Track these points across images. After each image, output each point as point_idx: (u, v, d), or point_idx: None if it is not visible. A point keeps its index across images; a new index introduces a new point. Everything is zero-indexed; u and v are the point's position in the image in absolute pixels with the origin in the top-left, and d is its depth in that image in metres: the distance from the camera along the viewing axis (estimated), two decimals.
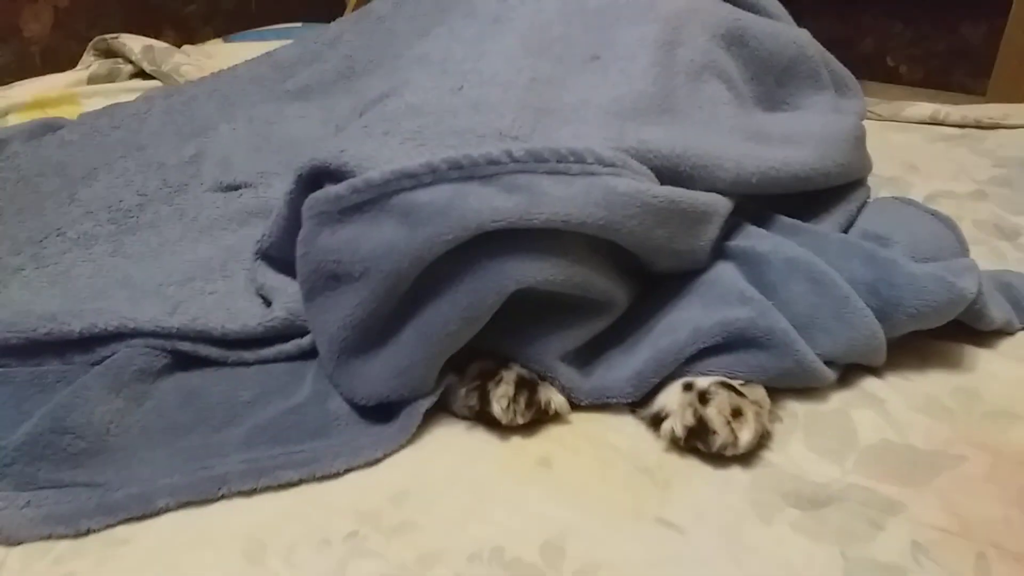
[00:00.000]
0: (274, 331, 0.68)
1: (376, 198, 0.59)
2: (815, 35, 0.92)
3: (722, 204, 0.70)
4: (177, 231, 0.80)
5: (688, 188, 0.67)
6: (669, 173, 0.67)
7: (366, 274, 0.59)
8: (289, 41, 1.25)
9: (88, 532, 0.56)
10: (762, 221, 0.77)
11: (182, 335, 0.66)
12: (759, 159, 0.73)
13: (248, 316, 0.69)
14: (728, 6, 0.85)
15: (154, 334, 0.66)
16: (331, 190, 0.60)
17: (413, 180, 0.58)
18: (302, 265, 0.63)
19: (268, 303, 0.71)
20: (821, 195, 0.83)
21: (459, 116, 0.68)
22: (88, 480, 0.58)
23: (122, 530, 0.56)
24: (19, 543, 0.55)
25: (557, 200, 0.58)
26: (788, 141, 0.79)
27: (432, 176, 0.58)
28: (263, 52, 1.22)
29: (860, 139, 0.86)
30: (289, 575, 0.53)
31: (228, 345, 0.68)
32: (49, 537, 0.55)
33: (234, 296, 0.71)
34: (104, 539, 0.55)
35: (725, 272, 0.70)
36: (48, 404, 0.62)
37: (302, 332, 0.68)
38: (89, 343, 0.67)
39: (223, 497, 0.58)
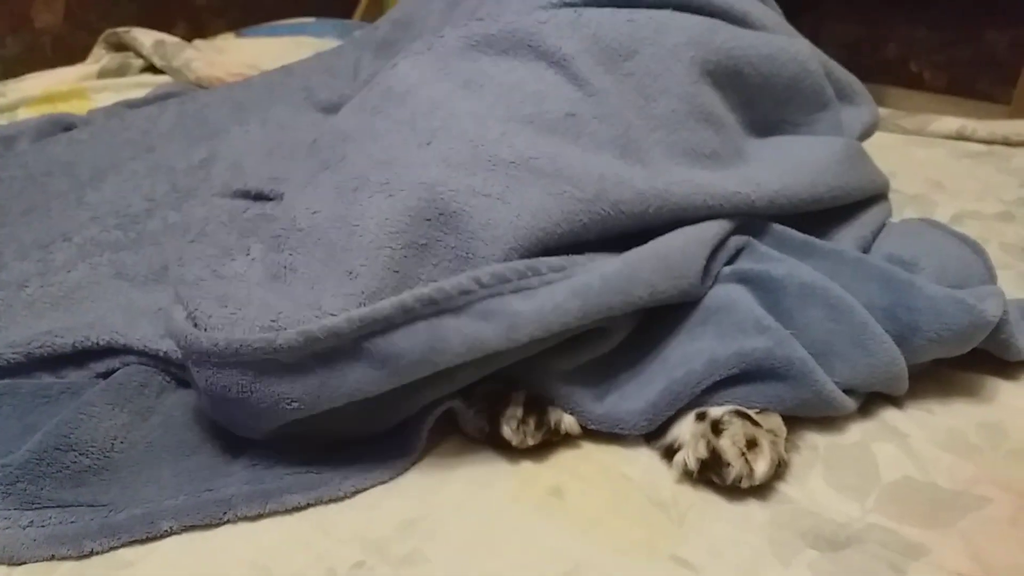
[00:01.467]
0: None
1: (341, 346, 0.55)
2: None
3: (700, 238, 0.69)
4: (180, 249, 0.77)
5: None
6: (638, 219, 0.68)
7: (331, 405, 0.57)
8: (302, 37, 1.24)
9: (92, 553, 0.55)
10: (774, 238, 0.75)
11: (168, 360, 0.65)
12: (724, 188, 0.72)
13: None
14: (723, 31, 0.80)
15: (143, 353, 0.65)
16: (275, 340, 0.55)
17: (384, 323, 0.55)
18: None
19: None
20: (836, 211, 0.81)
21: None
22: (92, 500, 0.57)
23: (126, 552, 0.55)
24: (22, 563, 0.54)
25: (531, 316, 0.58)
26: (765, 166, 0.78)
27: (404, 316, 0.55)
28: (274, 50, 1.21)
29: (854, 158, 0.83)
30: None
31: None
32: (52, 558, 0.54)
33: None
34: (108, 561, 0.54)
35: (740, 298, 0.68)
36: (52, 420, 0.60)
37: None
38: (83, 358, 0.66)
39: (228, 521, 0.57)
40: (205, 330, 0.57)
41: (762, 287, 0.69)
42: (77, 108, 1.18)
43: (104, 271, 0.78)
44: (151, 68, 1.37)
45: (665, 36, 0.76)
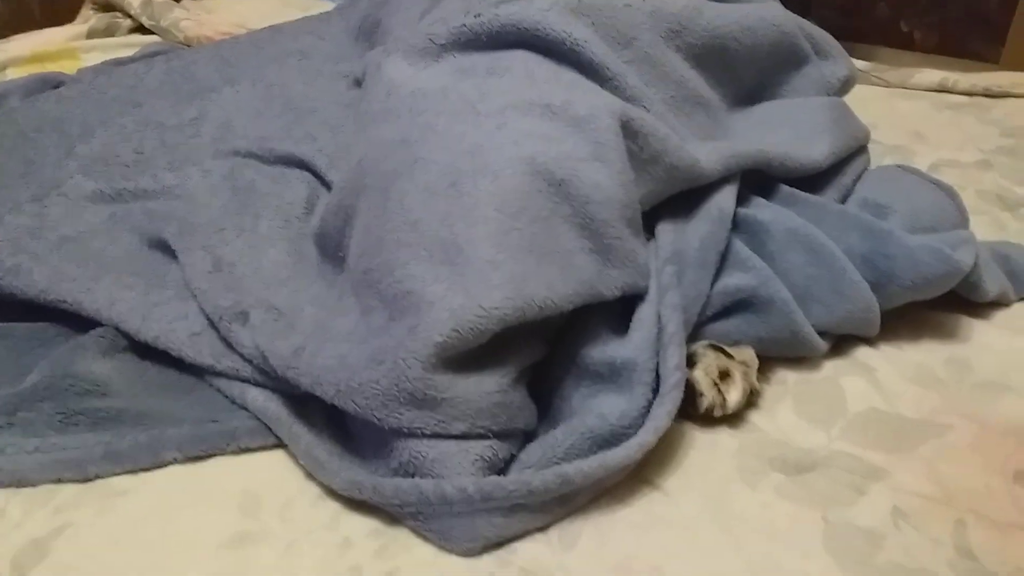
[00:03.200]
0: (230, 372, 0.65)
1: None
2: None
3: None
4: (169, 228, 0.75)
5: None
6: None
7: None
8: None
9: (96, 477, 0.57)
10: (762, 189, 0.77)
11: (145, 345, 0.66)
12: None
13: (210, 347, 0.65)
14: (708, 11, 0.79)
15: (124, 334, 0.66)
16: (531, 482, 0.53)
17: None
18: None
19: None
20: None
21: None
22: (93, 427, 0.59)
23: (122, 481, 0.57)
24: (27, 486, 0.57)
25: None
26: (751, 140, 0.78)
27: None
28: (263, 10, 1.21)
29: (839, 119, 0.84)
30: (282, 529, 0.54)
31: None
32: (58, 481, 0.57)
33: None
34: (103, 489, 0.57)
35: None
36: (49, 357, 0.63)
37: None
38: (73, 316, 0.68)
39: (231, 452, 0.60)
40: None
41: (748, 229, 0.71)
42: (67, 68, 1.18)
43: (97, 224, 0.80)
44: (139, 28, 1.37)
45: (658, 22, 0.77)
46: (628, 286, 0.62)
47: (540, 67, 0.70)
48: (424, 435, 0.54)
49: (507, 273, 0.56)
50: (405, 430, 0.54)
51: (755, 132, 0.79)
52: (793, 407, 0.64)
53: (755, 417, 0.63)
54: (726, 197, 0.70)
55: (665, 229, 0.68)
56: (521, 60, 0.70)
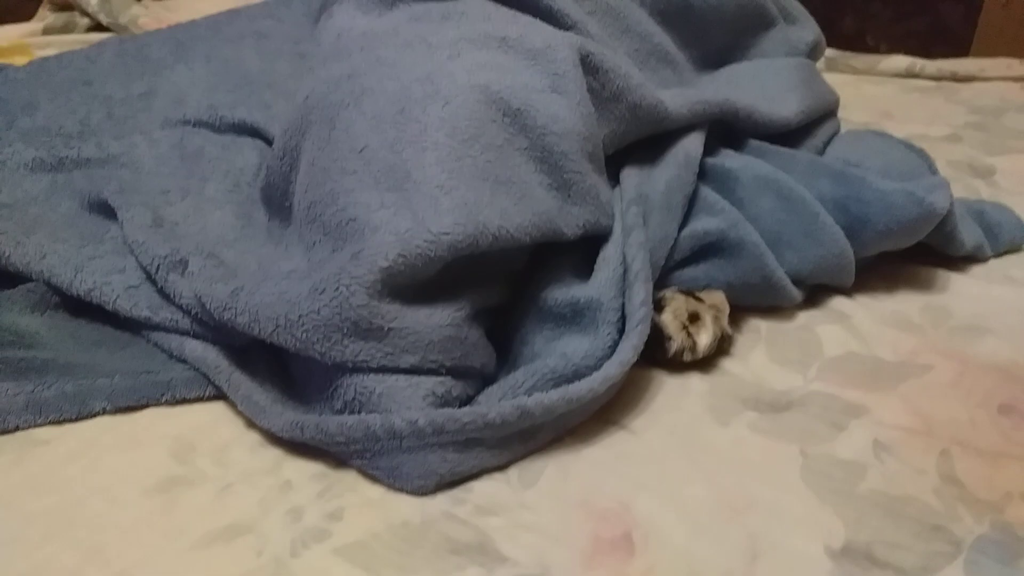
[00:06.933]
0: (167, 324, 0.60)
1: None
2: None
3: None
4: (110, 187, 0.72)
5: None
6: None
7: None
8: None
9: (16, 429, 0.53)
10: (732, 142, 0.75)
11: (78, 303, 0.62)
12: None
13: (147, 300, 0.61)
14: None
15: (56, 289, 0.62)
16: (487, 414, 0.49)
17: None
18: None
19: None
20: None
21: None
22: (17, 375, 0.55)
23: (43, 431, 0.53)
24: None
25: None
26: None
27: None
28: (226, 7, 1.19)
29: (808, 80, 0.82)
30: (218, 473, 0.49)
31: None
32: None
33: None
34: (21, 439, 0.52)
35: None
36: None
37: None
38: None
39: (165, 403, 0.55)
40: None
41: (716, 178, 0.68)
42: (18, 63, 1.14)
43: (35, 192, 0.76)
44: (97, 27, 1.34)
45: None
46: (590, 224, 0.59)
47: (497, 11, 0.67)
48: (370, 369, 0.50)
49: (458, 199, 0.52)
50: (350, 364, 0.50)
51: (723, 88, 0.77)
52: (767, 353, 0.61)
53: (727, 363, 0.60)
54: (693, 142, 0.67)
55: (630, 173, 0.65)
56: (477, 5, 0.68)
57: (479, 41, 0.61)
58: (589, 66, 0.61)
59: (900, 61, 1.19)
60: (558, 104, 0.58)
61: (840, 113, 0.89)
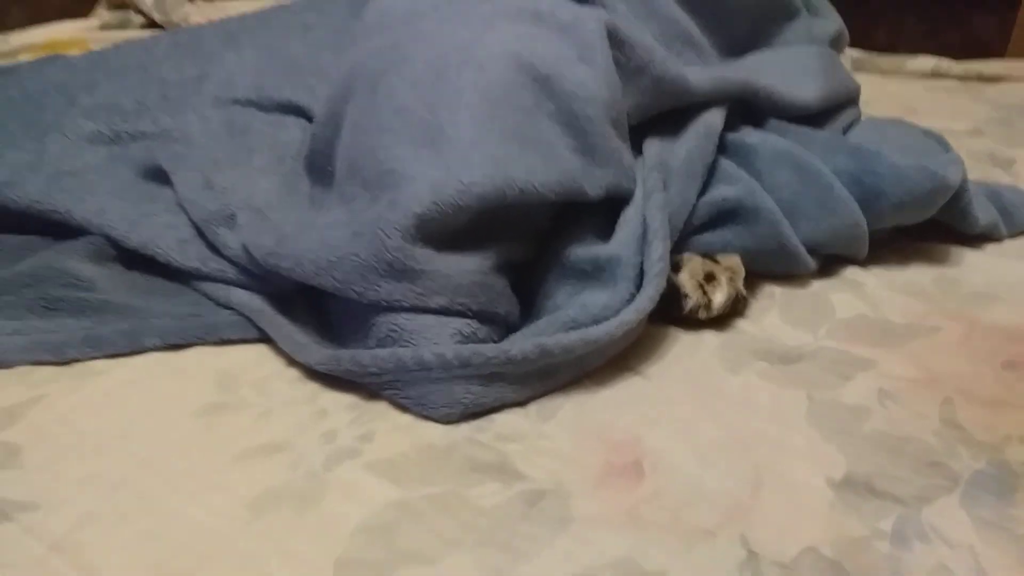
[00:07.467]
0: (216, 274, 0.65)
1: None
2: None
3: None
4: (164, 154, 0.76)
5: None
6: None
7: None
8: None
9: (73, 361, 0.57)
10: (753, 120, 0.77)
11: (133, 256, 0.66)
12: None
13: (197, 252, 0.65)
14: None
15: (113, 242, 0.67)
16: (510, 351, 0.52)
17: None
18: None
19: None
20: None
21: None
22: (77, 313, 0.59)
23: (100, 363, 0.57)
24: (4, 367, 0.56)
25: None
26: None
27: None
28: (273, 2, 1.25)
29: (827, 68, 0.84)
30: (259, 400, 0.53)
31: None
32: (36, 363, 0.57)
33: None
34: (80, 370, 0.56)
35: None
36: (36, 255, 0.63)
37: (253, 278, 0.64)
38: (65, 228, 0.68)
39: (211, 343, 0.59)
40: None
41: (736, 152, 0.71)
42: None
43: (95, 162, 0.81)
44: (152, 25, 1.41)
45: None
46: (612, 186, 0.62)
47: None
48: (403, 308, 0.54)
49: (488, 154, 0.56)
50: (384, 303, 0.54)
51: (744, 70, 0.80)
52: (779, 315, 0.63)
53: (741, 323, 0.62)
54: (714, 116, 0.70)
55: (652, 143, 0.68)
56: None
57: (512, 15, 0.65)
58: (615, 39, 0.65)
59: (926, 62, 1.21)
60: (585, 72, 0.62)
61: (863, 109, 0.91)
